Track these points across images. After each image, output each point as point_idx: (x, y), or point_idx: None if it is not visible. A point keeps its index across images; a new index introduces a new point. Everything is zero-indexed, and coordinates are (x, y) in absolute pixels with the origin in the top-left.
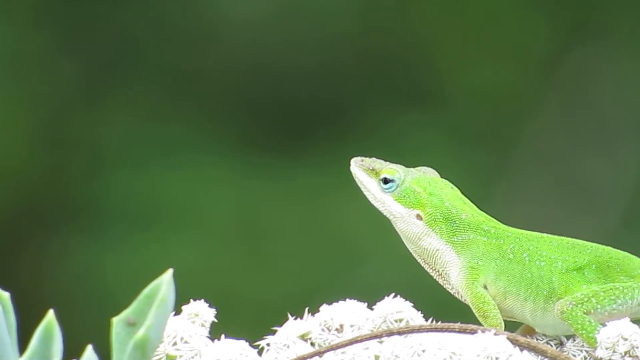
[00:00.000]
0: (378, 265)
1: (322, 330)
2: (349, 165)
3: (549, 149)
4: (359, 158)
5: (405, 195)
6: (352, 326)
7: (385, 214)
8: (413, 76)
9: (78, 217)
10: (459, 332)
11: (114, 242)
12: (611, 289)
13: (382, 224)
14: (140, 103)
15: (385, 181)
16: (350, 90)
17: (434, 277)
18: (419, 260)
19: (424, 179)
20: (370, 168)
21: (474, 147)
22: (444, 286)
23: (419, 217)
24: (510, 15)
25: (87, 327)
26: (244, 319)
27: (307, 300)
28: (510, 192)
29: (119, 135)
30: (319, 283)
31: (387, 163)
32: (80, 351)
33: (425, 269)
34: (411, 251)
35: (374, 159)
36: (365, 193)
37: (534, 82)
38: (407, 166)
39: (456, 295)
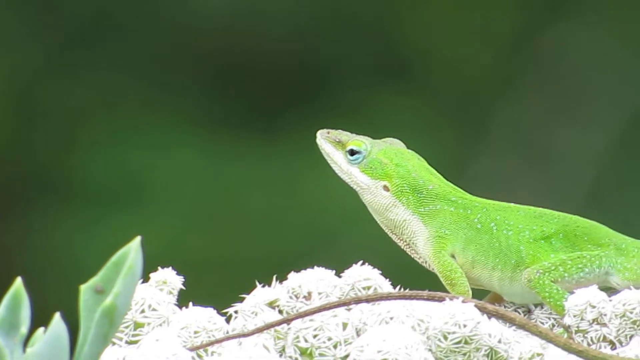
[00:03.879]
0: (349, 243)
1: (290, 297)
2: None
3: (521, 125)
4: (325, 130)
5: (371, 167)
6: (320, 294)
7: (352, 185)
8: (388, 55)
9: (48, 194)
10: (427, 299)
11: (85, 218)
12: (578, 257)
13: (354, 202)
14: (110, 82)
15: (352, 153)
16: (321, 68)
17: (402, 248)
18: (386, 231)
19: (391, 150)
20: (337, 140)
21: (447, 125)
22: (412, 256)
23: (385, 188)
24: None
25: (56, 300)
26: (211, 286)
27: (279, 273)
28: (482, 169)
29: (89, 112)
30: (290, 259)
31: (354, 135)
32: (49, 321)
33: (393, 239)
34: (379, 222)
35: (340, 131)
36: (332, 165)
37: (507, 60)
38: (373, 138)
39: (424, 264)
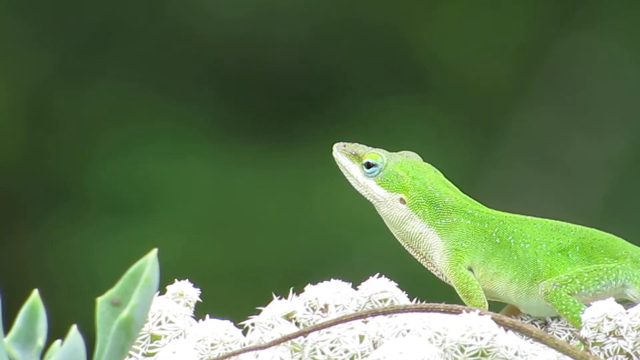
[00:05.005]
0: (362, 254)
1: (307, 310)
2: (332, 150)
3: (535, 135)
4: (341, 143)
5: (388, 179)
6: (336, 306)
7: (368, 198)
8: (401, 65)
9: (61, 204)
10: (444, 312)
11: (99, 227)
12: (595, 270)
13: (367, 212)
14: (122, 91)
15: (368, 165)
16: (334, 77)
17: (419, 260)
18: (402, 244)
19: (407, 163)
20: (353, 153)
21: (461, 134)
22: (429, 269)
23: (402, 200)
24: (498, 4)
25: (71, 309)
26: (225, 296)
27: (293, 284)
28: (496, 178)
29: (101, 121)
30: (303, 269)
31: (370, 148)
32: (65, 333)
33: (410, 252)
34: (395, 235)
35: (356, 144)
36: (348, 178)
37: (521, 70)
38: (389, 150)
39: (440, 277)
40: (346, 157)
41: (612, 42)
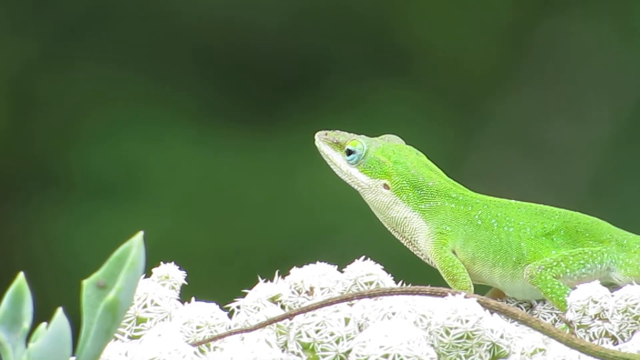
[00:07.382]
0: (346, 236)
1: (293, 292)
2: (314, 138)
3: (520, 117)
4: (322, 132)
5: (370, 166)
6: (322, 289)
7: (353, 185)
8: (386, 48)
9: (46, 186)
10: (430, 295)
11: (83, 210)
12: (580, 253)
13: (352, 195)
14: (107, 74)
15: (349, 153)
16: (318, 61)
17: (405, 245)
18: (389, 229)
19: (389, 148)
20: (335, 141)
21: (445, 117)
22: (414, 253)
23: (386, 186)
24: None
25: (55, 291)
26: (208, 278)
27: (278, 267)
28: (481, 161)
29: (86, 104)
30: (286, 252)
31: (352, 135)
32: (50, 316)
33: (396, 237)
34: (381, 221)
35: (337, 131)
36: (332, 166)
37: (506, 52)
38: (372, 135)
39: (426, 261)
40: (328, 145)
41: (596, 25)
